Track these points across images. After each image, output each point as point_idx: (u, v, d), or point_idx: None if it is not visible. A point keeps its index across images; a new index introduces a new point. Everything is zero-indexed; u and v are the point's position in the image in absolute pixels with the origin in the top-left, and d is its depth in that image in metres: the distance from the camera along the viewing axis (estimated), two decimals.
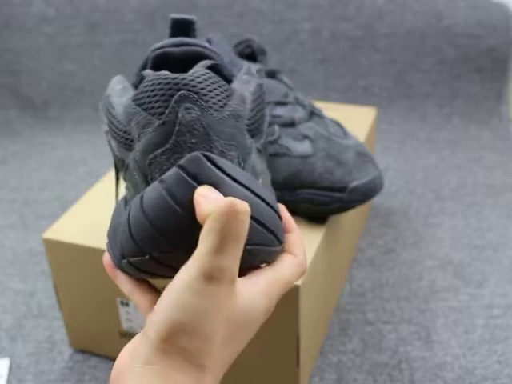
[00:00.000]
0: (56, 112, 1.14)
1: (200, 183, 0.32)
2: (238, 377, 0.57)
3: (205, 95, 0.34)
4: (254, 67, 0.60)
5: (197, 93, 0.33)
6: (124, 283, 0.38)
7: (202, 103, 0.33)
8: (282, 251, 0.37)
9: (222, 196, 0.31)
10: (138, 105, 0.35)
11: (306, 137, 0.56)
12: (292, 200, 0.56)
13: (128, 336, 0.59)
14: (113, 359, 0.62)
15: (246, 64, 0.40)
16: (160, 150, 0.34)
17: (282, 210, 0.40)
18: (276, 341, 0.52)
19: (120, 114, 0.36)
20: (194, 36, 0.40)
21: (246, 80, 0.38)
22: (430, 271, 0.72)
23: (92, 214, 0.59)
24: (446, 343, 0.62)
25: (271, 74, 0.61)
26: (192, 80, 0.34)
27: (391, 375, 0.59)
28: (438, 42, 1.10)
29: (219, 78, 0.35)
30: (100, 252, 0.54)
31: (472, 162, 0.96)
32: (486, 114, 1.08)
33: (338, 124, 0.60)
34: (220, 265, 0.30)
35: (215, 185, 0.32)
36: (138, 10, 1.15)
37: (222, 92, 0.35)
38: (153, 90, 0.34)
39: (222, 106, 0.34)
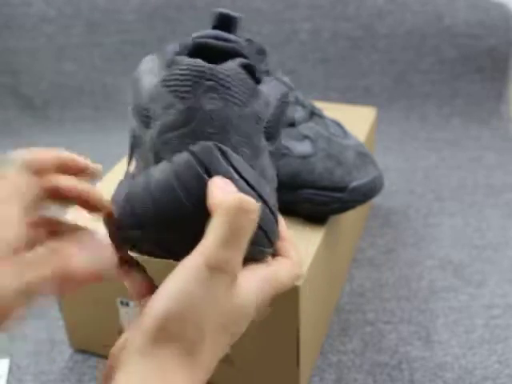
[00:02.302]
0: (56, 112, 1.14)
1: (207, 172, 0.32)
2: (238, 377, 0.57)
3: (230, 89, 0.34)
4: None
5: (223, 85, 0.34)
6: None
7: (227, 97, 0.34)
8: (271, 255, 0.38)
9: (236, 191, 0.32)
10: (166, 86, 0.35)
11: (306, 137, 0.56)
12: (292, 200, 0.56)
13: None
14: None
15: (278, 71, 0.41)
16: (176, 133, 0.34)
17: (281, 223, 0.41)
18: (276, 341, 0.52)
19: (145, 90, 0.37)
20: (235, 33, 0.41)
21: (274, 85, 0.39)
22: (430, 271, 0.72)
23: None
24: (446, 343, 0.62)
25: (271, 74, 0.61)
26: (222, 73, 0.34)
27: (391, 375, 0.59)
28: (438, 42, 1.10)
29: (248, 77, 0.36)
30: None
31: (472, 161, 0.96)
32: (486, 114, 1.08)
33: (338, 124, 0.60)
34: (226, 257, 0.31)
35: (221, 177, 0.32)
36: (137, 10, 1.15)
37: (247, 89, 0.35)
38: (182, 75, 0.35)
39: (245, 104, 0.35)
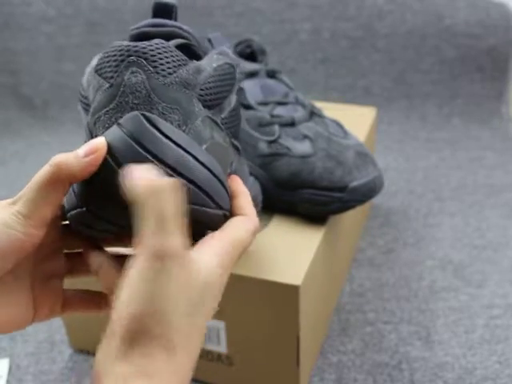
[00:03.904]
0: (55, 112, 1.14)
1: (137, 141, 0.33)
2: (238, 377, 0.57)
3: (154, 62, 0.36)
4: (251, 65, 0.60)
5: (146, 59, 0.36)
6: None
7: (150, 68, 0.36)
8: (226, 218, 0.38)
9: (150, 181, 0.31)
10: (96, 71, 0.37)
11: (306, 137, 0.56)
12: (292, 200, 0.56)
13: None
14: None
15: (222, 47, 0.43)
16: (104, 110, 0.36)
17: (235, 179, 0.41)
18: (276, 341, 0.52)
19: (84, 81, 0.39)
20: (174, 19, 0.42)
21: (214, 58, 0.41)
22: (430, 271, 0.72)
23: None
24: (446, 343, 0.62)
25: (271, 74, 0.61)
26: (144, 48, 0.36)
27: (391, 375, 0.59)
28: (438, 42, 1.10)
29: (174, 49, 0.37)
30: None
31: (472, 161, 0.96)
32: (486, 114, 1.08)
33: (338, 124, 0.60)
34: (162, 244, 0.30)
35: (151, 143, 0.33)
36: (137, 10, 1.15)
37: (173, 61, 0.37)
38: (108, 57, 0.36)
39: (170, 73, 0.36)
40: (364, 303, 0.68)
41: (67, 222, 0.39)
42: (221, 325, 0.54)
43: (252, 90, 0.59)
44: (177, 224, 0.31)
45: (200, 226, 0.36)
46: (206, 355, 0.57)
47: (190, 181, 0.34)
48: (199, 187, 0.35)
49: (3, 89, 1.15)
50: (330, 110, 0.79)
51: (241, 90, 0.58)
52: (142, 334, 0.30)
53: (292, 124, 0.57)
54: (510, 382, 0.57)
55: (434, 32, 1.10)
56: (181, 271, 0.31)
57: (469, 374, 0.58)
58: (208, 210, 0.36)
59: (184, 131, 0.36)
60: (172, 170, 0.33)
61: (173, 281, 0.31)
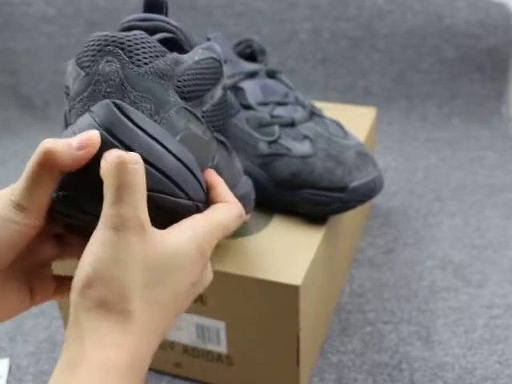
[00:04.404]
0: (55, 112, 1.14)
1: (107, 129, 0.34)
2: (238, 377, 0.57)
3: (130, 52, 0.37)
4: (251, 65, 0.60)
5: (122, 49, 0.36)
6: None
7: (125, 58, 0.36)
8: (199, 209, 0.38)
9: (118, 152, 0.32)
10: (75, 60, 0.38)
11: (306, 137, 0.56)
12: (292, 200, 0.56)
13: None
14: None
15: (210, 43, 0.43)
16: (78, 98, 0.36)
17: (209, 172, 0.41)
18: (276, 341, 0.52)
19: (67, 73, 0.40)
20: (165, 15, 0.43)
21: (199, 52, 0.41)
22: (430, 271, 0.72)
23: None
24: (446, 343, 0.62)
25: (271, 74, 0.61)
26: (121, 38, 0.37)
27: (391, 375, 0.59)
28: (438, 42, 1.10)
29: (153, 40, 0.38)
30: None
31: (472, 161, 0.96)
32: (486, 114, 1.08)
33: (338, 124, 0.60)
34: (119, 214, 0.31)
35: (121, 131, 0.34)
36: (137, 10, 1.15)
37: (150, 51, 0.37)
38: (86, 46, 0.37)
39: (145, 63, 0.37)
40: (364, 303, 0.68)
41: None
42: (221, 325, 0.54)
43: (252, 90, 0.59)
44: (136, 197, 0.32)
45: (171, 217, 0.36)
46: (206, 355, 0.57)
47: (158, 169, 0.35)
48: (167, 176, 0.35)
49: (3, 89, 1.15)
50: (330, 110, 0.79)
51: (241, 90, 0.58)
52: (95, 298, 0.31)
53: (292, 124, 0.57)
54: (510, 382, 0.57)
55: (433, 32, 1.10)
56: (137, 241, 0.32)
57: (469, 374, 0.58)
58: (176, 199, 0.36)
59: (155, 121, 0.37)
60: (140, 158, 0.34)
61: (128, 249, 0.31)
